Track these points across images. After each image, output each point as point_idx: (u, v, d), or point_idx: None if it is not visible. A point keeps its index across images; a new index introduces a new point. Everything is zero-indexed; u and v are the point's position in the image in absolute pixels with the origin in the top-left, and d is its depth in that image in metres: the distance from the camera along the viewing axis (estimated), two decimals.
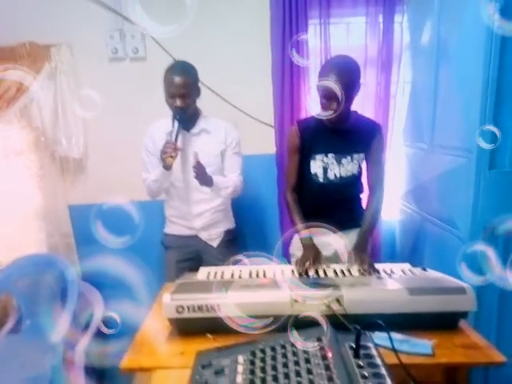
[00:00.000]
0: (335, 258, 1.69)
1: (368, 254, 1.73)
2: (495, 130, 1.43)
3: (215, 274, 1.49)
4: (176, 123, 1.73)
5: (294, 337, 0.89)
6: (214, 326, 1.19)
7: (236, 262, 1.48)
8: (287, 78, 2.24)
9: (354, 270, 1.48)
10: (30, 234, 2.35)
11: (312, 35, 2.25)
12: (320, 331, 0.92)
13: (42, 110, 2.29)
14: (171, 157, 1.68)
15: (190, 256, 1.97)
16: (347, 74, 1.56)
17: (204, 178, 1.74)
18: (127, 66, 2.36)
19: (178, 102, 1.72)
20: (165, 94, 1.76)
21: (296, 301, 1.20)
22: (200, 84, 1.84)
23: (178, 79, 1.70)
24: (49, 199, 2.40)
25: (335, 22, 2.24)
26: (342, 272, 1.47)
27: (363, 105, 2.25)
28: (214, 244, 1.98)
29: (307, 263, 1.54)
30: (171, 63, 1.80)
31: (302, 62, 2.17)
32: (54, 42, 2.25)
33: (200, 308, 1.19)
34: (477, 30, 1.51)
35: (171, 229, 1.99)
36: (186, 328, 1.23)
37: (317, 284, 1.28)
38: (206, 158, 1.83)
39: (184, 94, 1.72)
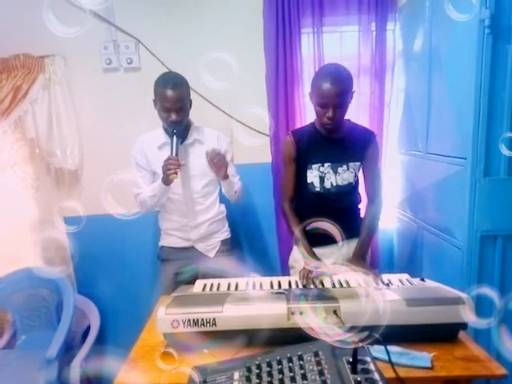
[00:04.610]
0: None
1: (367, 264, 1.72)
2: None
3: (211, 286, 1.47)
4: (174, 138, 1.70)
5: None
6: (210, 341, 1.17)
7: None
8: (281, 86, 2.24)
9: (352, 281, 1.47)
10: (25, 247, 2.32)
11: (305, 44, 2.25)
12: (317, 345, 0.90)
13: (37, 121, 2.28)
14: (175, 173, 1.67)
15: (187, 268, 1.94)
16: (342, 81, 1.57)
17: (224, 163, 1.74)
18: (121, 77, 2.35)
19: (174, 117, 1.70)
20: (158, 107, 1.73)
21: (293, 313, 1.19)
22: (194, 94, 1.82)
23: (173, 93, 1.67)
24: (44, 211, 2.38)
25: (328, 31, 2.25)
26: (340, 283, 1.46)
27: (358, 113, 2.25)
28: (211, 255, 1.96)
29: (311, 274, 1.53)
30: (163, 75, 1.77)
31: None
32: (47, 53, 2.24)
33: (196, 322, 1.18)
34: (468, 36, 1.51)
35: (167, 241, 1.98)
36: (182, 343, 1.20)
37: (314, 296, 1.27)
38: (202, 168, 1.82)
39: (180, 107, 1.70)
